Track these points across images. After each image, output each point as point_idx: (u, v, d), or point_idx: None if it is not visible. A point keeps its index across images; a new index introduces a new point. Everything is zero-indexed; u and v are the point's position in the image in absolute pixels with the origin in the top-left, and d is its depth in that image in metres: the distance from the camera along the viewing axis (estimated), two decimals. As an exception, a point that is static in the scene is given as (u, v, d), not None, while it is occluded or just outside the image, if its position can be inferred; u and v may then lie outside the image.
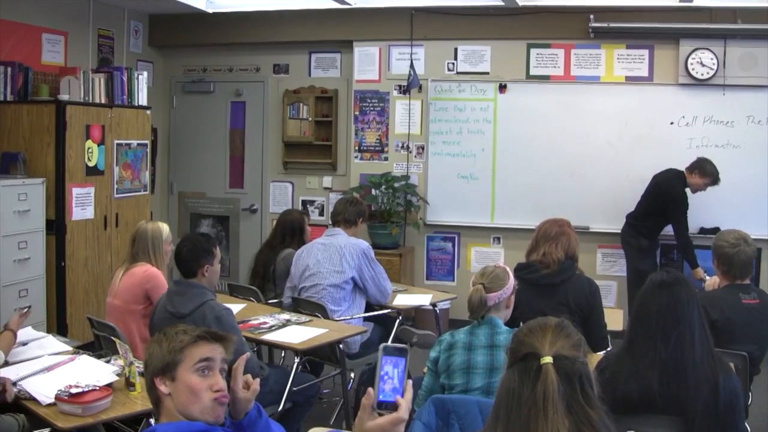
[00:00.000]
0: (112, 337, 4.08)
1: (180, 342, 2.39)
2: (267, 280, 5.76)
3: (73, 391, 3.19)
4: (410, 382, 1.83)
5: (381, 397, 1.78)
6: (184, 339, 2.39)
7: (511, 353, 1.97)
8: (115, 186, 6.84)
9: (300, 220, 5.96)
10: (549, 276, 4.25)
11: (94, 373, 3.53)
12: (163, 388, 2.35)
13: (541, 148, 7.61)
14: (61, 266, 6.29)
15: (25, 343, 3.99)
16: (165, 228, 4.84)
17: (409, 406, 1.80)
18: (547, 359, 1.87)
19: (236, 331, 4.04)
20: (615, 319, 4.58)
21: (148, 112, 7.30)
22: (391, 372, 1.79)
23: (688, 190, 6.75)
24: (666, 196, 6.74)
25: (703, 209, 7.02)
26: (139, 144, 7.12)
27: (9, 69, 6.36)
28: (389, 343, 2.32)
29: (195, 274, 4.17)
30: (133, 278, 4.62)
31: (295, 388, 4.38)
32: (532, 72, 7.68)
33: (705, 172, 6.70)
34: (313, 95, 8.43)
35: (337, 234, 5.41)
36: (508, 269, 3.60)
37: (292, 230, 5.87)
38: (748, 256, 4.03)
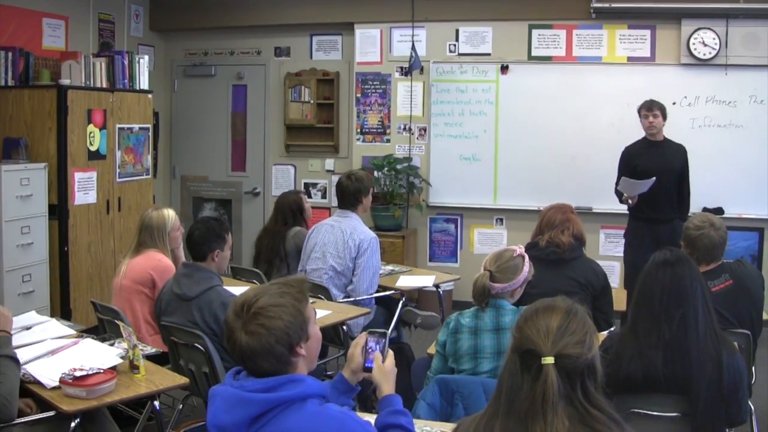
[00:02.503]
0: (116, 321, 4.09)
1: (299, 302, 2.33)
2: (273, 266, 5.74)
3: (78, 374, 3.19)
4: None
5: (367, 364, 2.55)
6: (295, 301, 2.33)
7: (513, 340, 1.91)
8: (118, 170, 6.84)
9: (297, 200, 5.93)
10: (559, 253, 4.25)
11: (98, 356, 3.53)
12: (303, 351, 2.32)
13: (543, 129, 7.59)
14: (64, 251, 6.29)
15: (28, 327, 3.99)
16: (171, 215, 4.77)
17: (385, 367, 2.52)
18: (549, 360, 1.80)
19: None
20: (619, 299, 4.59)
21: (150, 96, 7.30)
22: (374, 347, 2.56)
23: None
24: None
25: (706, 189, 6.99)
26: (140, 128, 7.12)
27: (10, 54, 6.34)
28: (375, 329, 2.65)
29: (205, 257, 4.19)
30: (147, 261, 4.61)
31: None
32: (534, 53, 7.65)
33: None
34: (315, 78, 8.41)
35: (346, 217, 5.30)
36: (526, 258, 3.46)
37: (292, 212, 5.84)
38: (711, 240, 3.97)
